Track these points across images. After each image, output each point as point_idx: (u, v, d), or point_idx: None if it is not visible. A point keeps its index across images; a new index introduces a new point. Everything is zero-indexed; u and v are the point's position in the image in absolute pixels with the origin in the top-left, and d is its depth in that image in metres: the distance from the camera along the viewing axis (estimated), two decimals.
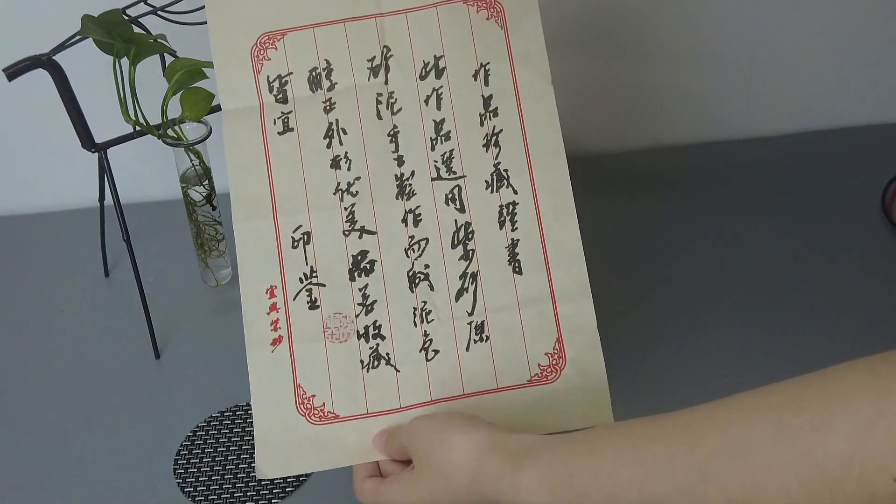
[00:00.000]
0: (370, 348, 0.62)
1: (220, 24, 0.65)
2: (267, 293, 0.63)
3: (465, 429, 0.56)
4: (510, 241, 0.63)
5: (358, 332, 0.62)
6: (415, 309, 0.62)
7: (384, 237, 0.63)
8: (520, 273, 0.63)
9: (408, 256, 0.63)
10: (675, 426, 0.48)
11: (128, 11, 0.76)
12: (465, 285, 0.63)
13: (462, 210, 0.63)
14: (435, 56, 0.65)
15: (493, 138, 0.64)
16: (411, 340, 0.62)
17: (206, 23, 0.77)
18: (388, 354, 0.62)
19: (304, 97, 0.64)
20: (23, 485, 0.75)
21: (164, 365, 0.85)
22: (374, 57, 0.65)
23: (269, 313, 0.63)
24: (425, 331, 0.62)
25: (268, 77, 0.64)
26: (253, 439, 0.76)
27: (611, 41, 1.03)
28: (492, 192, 0.63)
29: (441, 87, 0.65)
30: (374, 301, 0.63)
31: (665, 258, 0.93)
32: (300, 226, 0.63)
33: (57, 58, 0.73)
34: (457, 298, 0.63)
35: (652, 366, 0.82)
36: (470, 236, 0.63)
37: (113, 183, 0.79)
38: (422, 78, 0.65)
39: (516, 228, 0.63)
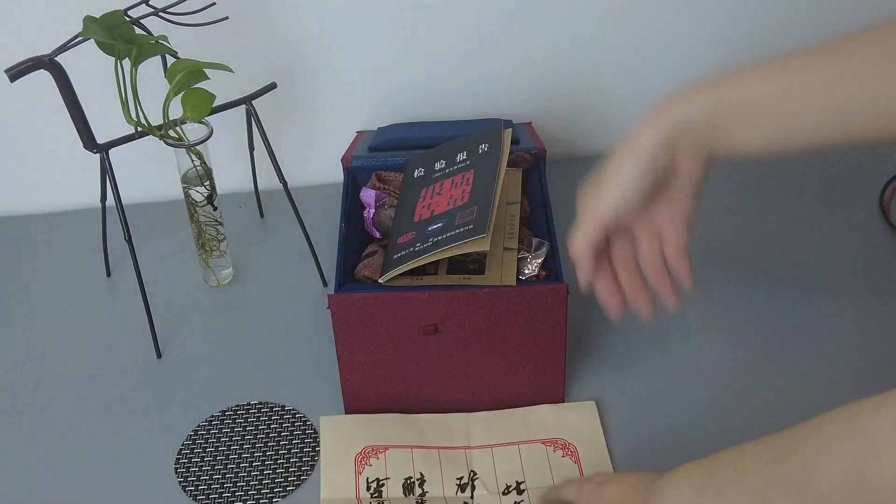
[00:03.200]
0: None
1: (331, 433, 0.75)
2: None
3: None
4: None
5: None
6: None
7: None
8: None
9: None
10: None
11: (129, 13, 0.77)
12: None
13: None
14: (517, 481, 0.72)
15: None
16: None
17: (206, 24, 0.78)
18: None
19: (397, 498, 0.71)
20: (23, 484, 0.75)
21: (165, 365, 0.85)
22: (462, 477, 0.72)
23: None
24: None
25: (367, 479, 0.72)
26: (254, 438, 0.77)
27: (611, 41, 1.03)
28: None
29: (522, 501, 0.70)
30: None
31: None
32: None
33: (59, 59, 0.74)
34: None
35: (649, 366, 0.82)
36: None
37: (115, 183, 0.79)
38: (504, 494, 0.71)
39: None
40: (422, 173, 0.84)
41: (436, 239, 0.73)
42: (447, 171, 0.82)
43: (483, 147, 0.81)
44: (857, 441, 0.44)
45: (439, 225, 0.74)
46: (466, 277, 0.74)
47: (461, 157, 0.82)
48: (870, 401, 0.45)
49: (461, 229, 0.72)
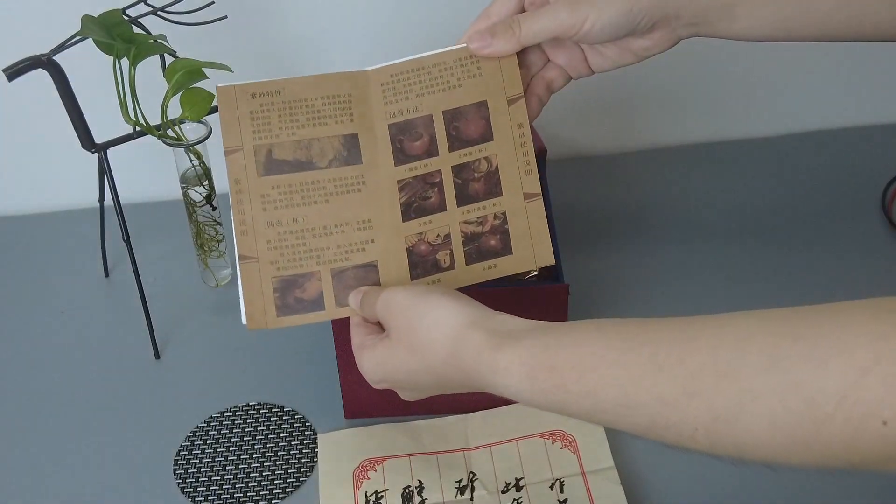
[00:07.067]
0: None
1: (329, 450, 0.75)
2: None
3: (446, 303, 0.54)
4: None
5: None
6: None
7: None
8: None
9: None
10: (666, 335, 0.47)
11: (128, 12, 0.76)
12: None
13: None
14: (516, 478, 0.72)
15: None
16: None
17: (205, 23, 0.78)
18: None
19: None
20: (23, 485, 0.75)
21: (163, 365, 0.85)
22: (462, 479, 0.72)
23: None
24: None
25: (365, 492, 0.71)
26: (253, 439, 0.77)
27: None
28: None
29: (521, 497, 0.70)
30: None
31: (664, 258, 0.93)
32: None
33: (57, 58, 0.73)
34: None
35: None
36: None
37: (113, 183, 0.79)
38: (503, 492, 0.71)
39: None
40: None
41: None
42: None
43: None
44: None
45: None
46: (491, 265, 0.65)
47: None
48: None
49: None
